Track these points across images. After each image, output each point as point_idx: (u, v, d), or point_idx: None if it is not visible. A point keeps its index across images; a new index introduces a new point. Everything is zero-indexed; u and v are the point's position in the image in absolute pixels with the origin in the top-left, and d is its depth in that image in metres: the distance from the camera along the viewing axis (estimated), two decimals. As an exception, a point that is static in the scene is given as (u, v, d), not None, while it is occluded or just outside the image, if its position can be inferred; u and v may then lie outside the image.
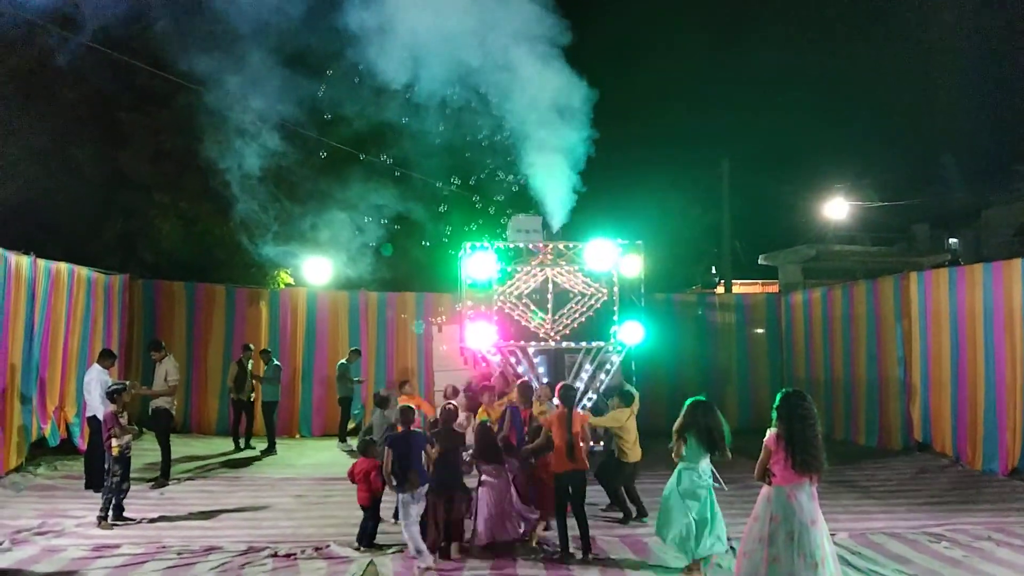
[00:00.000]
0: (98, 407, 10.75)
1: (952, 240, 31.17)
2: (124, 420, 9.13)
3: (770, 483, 5.90)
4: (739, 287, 25.87)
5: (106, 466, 9.12)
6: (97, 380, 10.92)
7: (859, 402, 15.18)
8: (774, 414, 5.98)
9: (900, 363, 13.90)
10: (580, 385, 11.91)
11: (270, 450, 14.22)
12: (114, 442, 8.99)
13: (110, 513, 8.90)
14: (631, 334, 12.18)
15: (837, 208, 24.24)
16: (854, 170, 25.95)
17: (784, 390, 6.13)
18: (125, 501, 9.16)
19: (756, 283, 29.39)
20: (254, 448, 14.42)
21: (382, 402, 10.28)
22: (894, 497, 10.52)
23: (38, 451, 12.04)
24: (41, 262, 11.95)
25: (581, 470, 7.97)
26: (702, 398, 7.20)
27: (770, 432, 5.97)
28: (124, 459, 9.06)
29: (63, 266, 12.65)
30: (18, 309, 11.35)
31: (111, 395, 9.18)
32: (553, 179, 12.95)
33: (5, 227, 13.03)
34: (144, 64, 12.70)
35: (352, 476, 8.52)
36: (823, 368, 16.41)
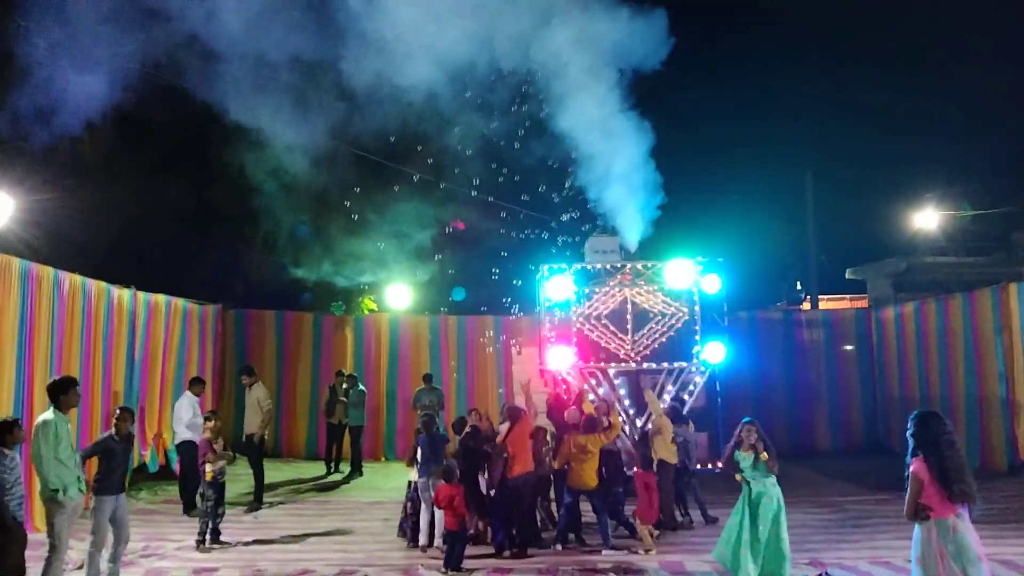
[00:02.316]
0: (185, 432, 11.20)
1: (1055, 247, 29.58)
2: (219, 446, 9.46)
3: (927, 518, 5.44)
4: (826, 302, 25.08)
5: (200, 491, 9.47)
6: (188, 407, 11.38)
7: (958, 421, 14.46)
8: (911, 440, 5.55)
9: (1001, 379, 13.24)
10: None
11: (356, 473, 14.50)
12: (208, 467, 9.30)
13: (207, 537, 9.20)
14: (714, 354, 11.98)
15: (928, 218, 23.29)
16: (945, 177, 24.93)
17: (918, 413, 5.70)
18: (221, 525, 9.47)
19: (844, 298, 28.45)
20: (343, 472, 14.71)
21: (457, 427, 10.40)
22: (1002, 521, 9.98)
23: (139, 477, 12.56)
24: (141, 294, 12.58)
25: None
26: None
27: (915, 462, 5.50)
28: (217, 484, 9.35)
29: (161, 298, 13.28)
30: (120, 339, 11.96)
31: (206, 419, 9.55)
32: (630, 198, 12.90)
33: (108, 262, 13.75)
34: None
35: (438, 502, 8.63)
36: (918, 385, 15.76)
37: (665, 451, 9.72)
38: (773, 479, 7.36)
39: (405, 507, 9.77)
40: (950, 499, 5.33)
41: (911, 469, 5.49)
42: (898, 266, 24.53)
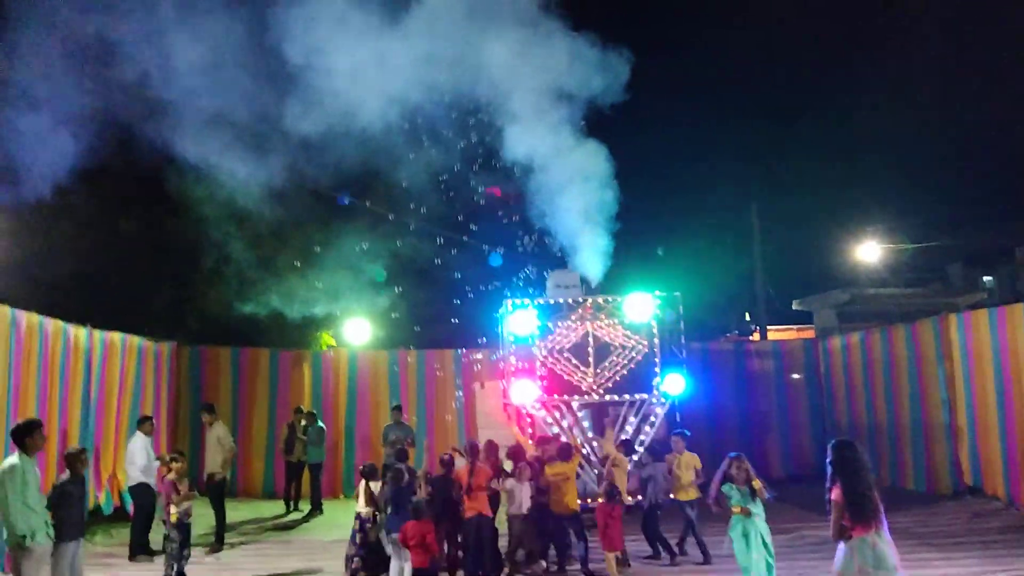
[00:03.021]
0: (138, 475, 11.01)
1: (987, 278, 30.91)
2: (184, 487, 9.34)
3: (849, 537, 5.88)
4: (774, 333, 25.78)
5: (165, 533, 9.32)
6: (141, 448, 11.19)
7: (905, 447, 15.03)
8: (829, 468, 6.03)
9: (945, 406, 13.80)
10: (625, 437, 12.01)
11: (316, 511, 14.36)
12: (173, 509, 9.17)
13: (172, 580, 9.05)
14: (674, 385, 12.27)
15: (870, 251, 24.26)
16: (885, 213, 26.01)
17: (834, 442, 6.19)
18: (186, 567, 9.32)
19: (791, 329, 29.28)
20: (302, 510, 14.54)
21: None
22: (950, 543, 10.39)
23: (93, 519, 12.22)
24: (97, 333, 12.36)
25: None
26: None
27: (834, 489, 5.96)
28: (183, 525, 9.22)
29: (116, 336, 13.06)
30: (76, 379, 11.74)
31: (172, 459, 9.44)
32: (588, 234, 13.21)
33: (62, 298, 13.49)
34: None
35: (406, 539, 8.63)
36: (865, 413, 16.29)
37: (622, 484, 10.13)
38: (762, 511, 7.78)
39: (355, 539, 9.79)
40: (862, 519, 5.82)
41: (831, 496, 5.99)
42: (842, 297, 25.39)
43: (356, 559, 9.68)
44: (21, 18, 10.97)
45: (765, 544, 7.69)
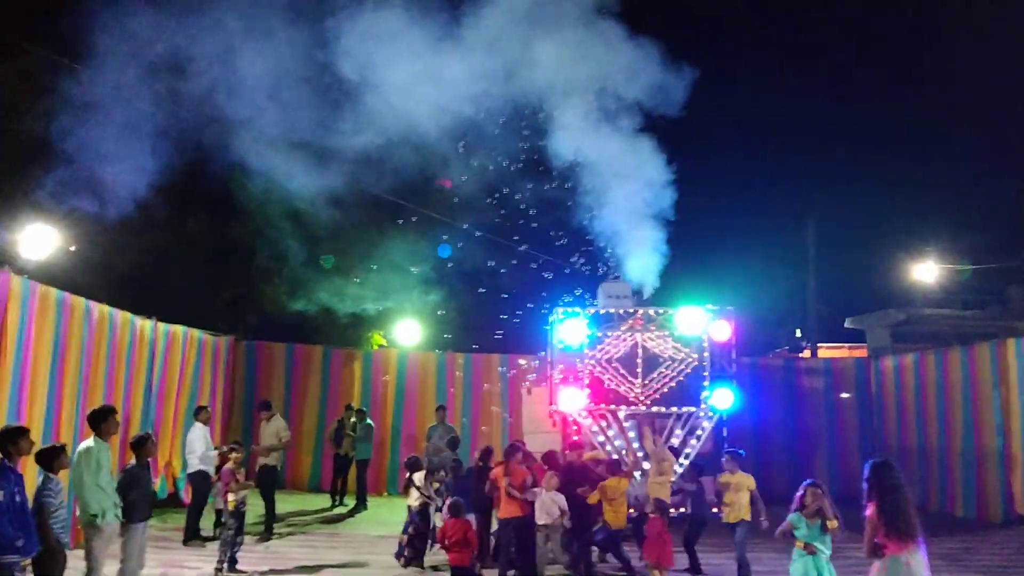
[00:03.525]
0: (197, 463, 11.43)
1: (1049, 302, 30.07)
2: (241, 476, 9.70)
3: (882, 555, 5.95)
4: (825, 351, 25.48)
5: (222, 520, 9.69)
6: (201, 438, 11.61)
7: (955, 472, 14.76)
8: (865, 486, 6.06)
9: (999, 432, 13.54)
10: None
11: (360, 506, 14.66)
12: (230, 496, 9.53)
13: (225, 565, 9.40)
14: (722, 399, 12.29)
15: (927, 271, 23.84)
16: (944, 232, 25.58)
17: (872, 462, 6.22)
18: (238, 554, 9.66)
19: (843, 347, 28.89)
20: (347, 505, 14.87)
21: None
22: (996, 571, 10.24)
23: (148, 504, 12.70)
24: (161, 325, 12.86)
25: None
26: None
27: (869, 506, 6.03)
28: (239, 513, 9.59)
29: (179, 328, 13.56)
30: (140, 368, 12.22)
31: (231, 450, 9.81)
32: (642, 246, 13.30)
33: (129, 290, 14.06)
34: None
35: (442, 540, 8.81)
36: (916, 436, 16.03)
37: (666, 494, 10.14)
38: (829, 543, 7.17)
39: (407, 530, 10.07)
40: (896, 536, 5.82)
41: (866, 513, 6.02)
42: (896, 317, 24.99)
43: (408, 548, 9.94)
44: (97, 42, 11.60)
45: None
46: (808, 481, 7.20)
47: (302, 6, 12.93)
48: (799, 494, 7.07)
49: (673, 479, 10.91)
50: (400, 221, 18.00)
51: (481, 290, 19.04)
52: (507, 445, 10.88)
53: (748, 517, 9.52)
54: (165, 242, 15.04)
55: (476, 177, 16.01)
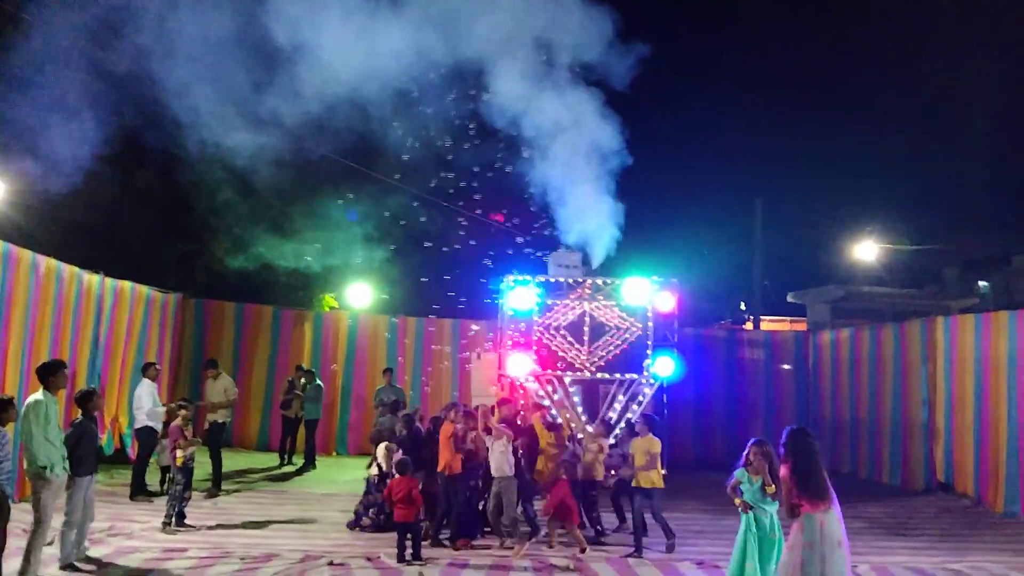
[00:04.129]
0: (144, 419, 11.48)
1: (982, 283, 31.22)
2: (189, 433, 9.79)
3: (798, 514, 6.34)
4: (768, 324, 26.21)
5: (169, 475, 9.79)
6: (148, 394, 11.65)
7: (883, 442, 15.48)
8: (781, 450, 6.46)
9: (925, 405, 14.23)
10: (613, 415, 12.47)
11: (309, 465, 14.82)
12: (179, 453, 9.63)
13: (173, 519, 9.52)
14: (664, 367, 12.70)
15: (867, 250, 24.62)
16: (885, 212, 26.33)
17: (789, 428, 6.61)
18: (186, 509, 9.78)
19: (784, 320, 29.71)
20: (295, 464, 15.02)
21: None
22: (916, 535, 10.87)
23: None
24: (109, 280, 12.76)
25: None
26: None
27: (783, 468, 6.44)
28: (187, 469, 9.70)
29: (127, 284, 13.45)
30: (87, 323, 12.15)
31: (180, 407, 9.88)
32: (593, 216, 13.55)
33: (76, 243, 13.87)
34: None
35: (390, 497, 9.04)
36: (849, 407, 16.73)
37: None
38: (775, 507, 7.03)
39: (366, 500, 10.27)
40: (809, 497, 6.24)
41: (780, 475, 6.43)
42: (836, 293, 25.74)
43: (364, 517, 10.13)
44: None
45: (768, 547, 6.96)
46: (754, 440, 7.24)
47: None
48: (745, 451, 7.15)
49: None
50: (352, 183, 17.98)
51: (428, 246, 19.06)
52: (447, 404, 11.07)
53: (661, 484, 9.45)
54: (113, 194, 14.82)
55: (424, 140, 16.05)
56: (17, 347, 10.02)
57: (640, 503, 9.32)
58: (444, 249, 18.60)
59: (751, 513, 7.04)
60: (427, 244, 18.48)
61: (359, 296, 19.34)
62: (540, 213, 14.86)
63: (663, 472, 9.60)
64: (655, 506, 9.41)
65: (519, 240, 16.27)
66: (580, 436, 11.77)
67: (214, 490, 11.90)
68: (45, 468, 6.98)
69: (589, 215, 13.68)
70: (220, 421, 12.20)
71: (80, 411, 7.91)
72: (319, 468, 14.84)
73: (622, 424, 12.40)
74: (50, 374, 7.30)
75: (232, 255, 17.70)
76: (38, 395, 7.15)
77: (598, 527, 10.15)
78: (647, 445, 9.38)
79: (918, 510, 12.58)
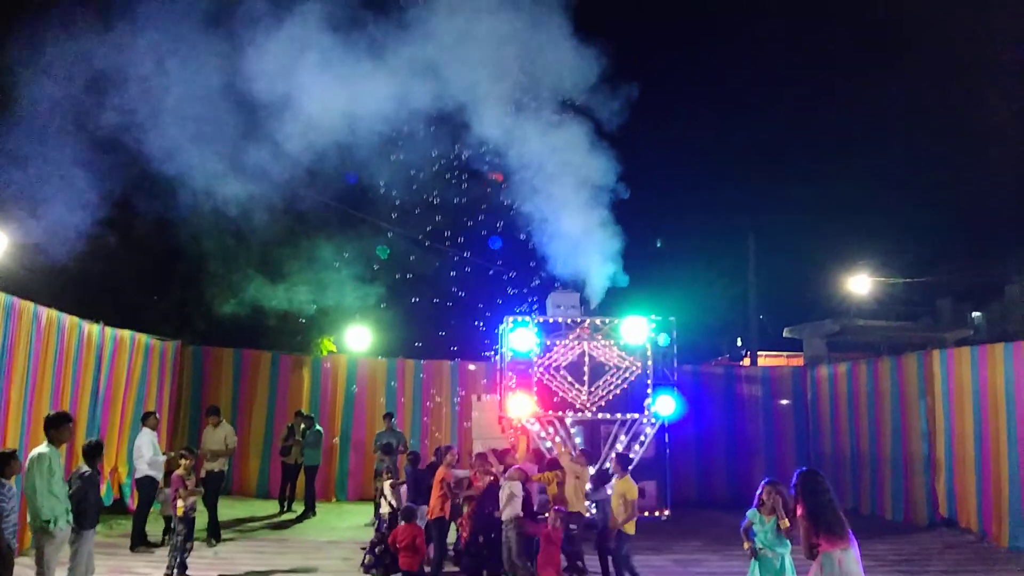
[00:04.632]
0: (145, 469, 11.42)
1: (976, 314, 31.43)
2: (191, 482, 9.75)
3: (817, 554, 6.30)
4: (765, 359, 26.28)
5: (172, 525, 9.73)
6: (148, 444, 11.59)
7: (885, 477, 15.46)
8: (792, 491, 6.42)
9: (924, 439, 14.24)
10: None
11: (309, 512, 14.70)
12: (179, 503, 9.57)
13: (175, 571, 9.43)
14: (665, 406, 12.72)
15: (861, 284, 24.83)
16: (878, 246, 26.60)
17: (799, 470, 6.58)
18: (188, 559, 9.69)
19: (781, 355, 29.81)
20: (295, 511, 14.90)
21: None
22: (923, 572, 10.81)
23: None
24: (108, 329, 12.77)
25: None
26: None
27: (799, 509, 6.41)
28: (189, 519, 9.63)
29: (126, 333, 13.47)
30: (87, 373, 12.14)
31: (181, 456, 9.85)
32: (591, 257, 13.69)
33: (73, 292, 13.91)
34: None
35: (395, 544, 8.98)
36: (849, 442, 16.72)
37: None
38: (788, 548, 6.94)
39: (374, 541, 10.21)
40: (827, 536, 6.16)
41: (797, 515, 6.33)
42: (832, 327, 25.87)
43: (369, 556, 10.07)
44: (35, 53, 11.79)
45: None
46: (766, 480, 7.18)
47: (233, 23, 13.16)
48: (758, 492, 7.09)
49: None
50: (349, 229, 18.17)
51: (434, 299, 19.27)
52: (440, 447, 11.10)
53: (628, 529, 9.24)
54: (110, 244, 14.96)
55: (419, 183, 16.28)
56: (19, 398, 10.00)
57: (623, 547, 9.15)
58: (439, 294, 18.76)
59: (760, 556, 7.00)
60: (418, 286, 18.63)
61: (357, 339, 19.35)
62: (536, 254, 15.02)
63: (667, 513, 9.55)
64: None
65: (511, 278, 16.38)
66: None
67: (211, 540, 11.79)
68: (49, 522, 6.94)
69: (585, 255, 13.81)
70: (218, 470, 12.13)
71: (86, 463, 7.89)
72: (319, 515, 14.72)
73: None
74: (55, 427, 7.30)
75: (229, 301, 17.78)
76: (42, 448, 7.14)
77: (579, 563, 9.93)
78: (623, 489, 9.29)
79: (923, 546, 12.52)
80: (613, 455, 10.40)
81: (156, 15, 12.70)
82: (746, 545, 7.08)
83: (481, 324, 16.76)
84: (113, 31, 12.41)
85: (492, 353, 14.90)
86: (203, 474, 12.33)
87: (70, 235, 12.30)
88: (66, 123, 11.94)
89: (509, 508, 9.46)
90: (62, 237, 12.19)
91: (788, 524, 6.82)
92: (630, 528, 9.17)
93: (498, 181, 17.16)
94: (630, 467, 9.91)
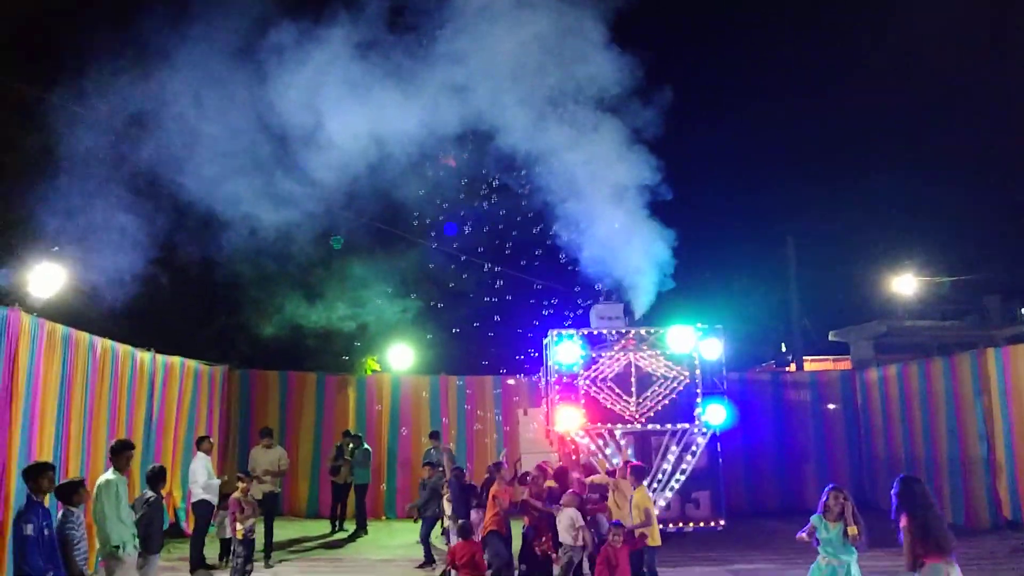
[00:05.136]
0: (200, 493, 11.55)
1: (1024, 311, 30.77)
2: (249, 506, 9.85)
3: (923, 564, 6.16)
4: (810, 364, 25.92)
5: (232, 548, 9.83)
6: (203, 468, 11.73)
7: (942, 480, 15.09)
8: (895, 500, 6.30)
9: (982, 440, 13.91)
10: (668, 466, 12.36)
11: (361, 531, 14.77)
12: (239, 525, 9.68)
13: (236, 593, 9.54)
14: (716, 415, 12.59)
15: (906, 284, 24.42)
16: (922, 245, 26.21)
17: (903, 477, 6.46)
18: (247, 582, 9.80)
19: (827, 359, 29.39)
20: (347, 530, 14.97)
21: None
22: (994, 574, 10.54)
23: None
24: (160, 357, 13.00)
25: None
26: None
27: (903, 519, 6.25)
28: (248, 541, 9.74)
29: (176, 359, 13.70)
30: (140, 400, 12.34)
31: (239, 479, 9.98)
32: (638, 267, 13.64)
33: (120, 323, 14.18)
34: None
35: (453, 561, 8.97)
36: (902, 445, 16.38)
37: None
38: (854, 556, 6.86)
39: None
40: (936, 551, 6.06)
41: (901, 525, 6.22)
42: (879, 329, 25.49)
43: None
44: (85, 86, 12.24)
45: None
46: (831, 485, 7.15)
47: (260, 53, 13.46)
48: (823, 498, 7.04)
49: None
50: (390, 248, 18.35)
51: (475, 315, 19.34)
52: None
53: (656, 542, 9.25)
54: (160, 281, 15.32)
55: (463, 198, 16.37)
56: (79, 427, 10.20)
57: (649, 561, 9.08)
58: (480, 311, 18.81)
59: (824, 564, 6.91)
60: (467, 302, 18.71)
61: (400, 357, 19.46)
62: (579, 265, 14.98)
63: (722, 523, 9.41)
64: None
65: (558, 294, 16.36)
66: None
67: (267, 561, 11.87)
68: (118, 548, 7.06)
69: (628, 265, 13.76)
70: (273, 491, 12.24)
71: (150, 488, 8.02)
72: (370, 533, 14.79)
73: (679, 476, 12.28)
74: (120, 454, 7.44)
75: (272, 324, 18.02)
76: (109, 475, 7.28)
77: None
78: (637, 499, 9.28)
79: (990, 550, 12.20)
80: (622, 465, 10.22)
81: (183, 52, 13.08)
82: (803, 535, 7.03)
83: (528, 335, 16.73)
84: (149, 75, 12.84)
85: (537, 367, 14.86)
86: (260, 496, 12.47)
87: (121, 275, 12.70)
88: (105, 161, 12.36)
89: (569, 536, 9.32)
90: (114, 278, 12.58)
91: (856, 530, 6.74)
92: (654, 539, 9.15)
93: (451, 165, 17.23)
94: (646, 478, 9.85)
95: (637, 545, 9.05)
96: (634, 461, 10.77)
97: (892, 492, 6.37)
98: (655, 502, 11.96)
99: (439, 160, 16.28)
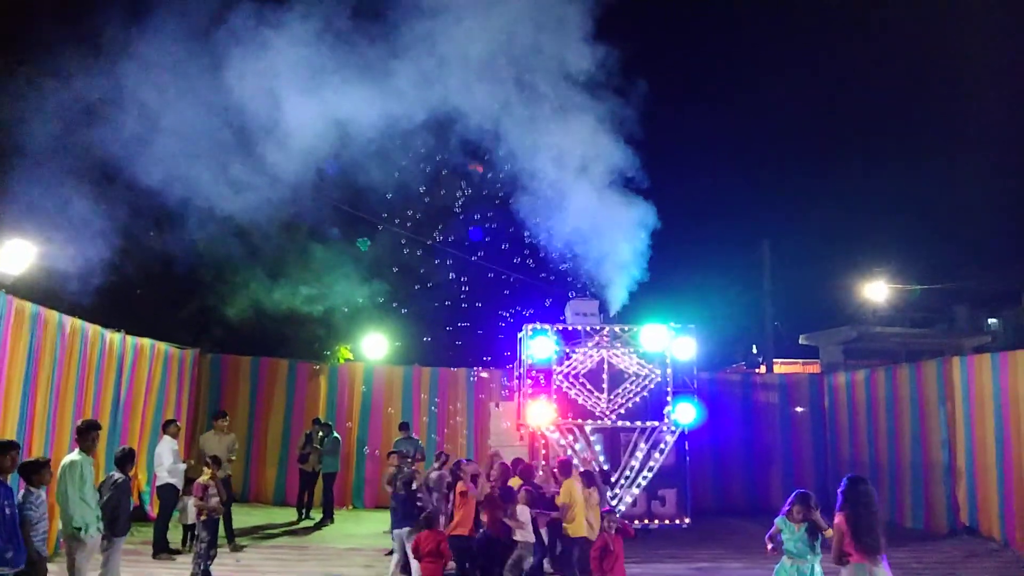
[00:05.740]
0: (165, 476, 11.49)
1: (992, 320, 31.27)
2: (213, 490, 9.79)
3: (847, 563, 6.32)
4: (780, 366, 26.19)
5: (194, 532, 9.77)
6: (169, 452, 11.68)
7: (904, 485, 15.35)
8: (839, 497, 6.45)
9: (944, 446, 14.15)
10: (635, 463, 12.44)
11: (327, 520, 14.73)
12: (201, 504, 9.62)
13: (200, 577, 9.48)
14: (685, 414, 12.70)
15: (877, 290, 24.75)
16: (893, 253, 26.57)
17: (849, 476, 6.61)
18: (211, 567, 9.73)
19: (797, 363, 29.72)
20: (313, 519, 14.93)
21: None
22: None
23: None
24: (129, 338, 12.87)
25: None
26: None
27: (837, 515, 6.42)
28: (212, 521, 9.68)
29: (146, 342, 13.57)
30: (108, 382, 12.22)
31: (206, 463, 9.92)
32: (612, 265, 13.70)
33: (92, 303, 14.02)
34: None
35: (417, 551, 8.98)
36: (867, 449, 16.61)
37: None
38: (819, 557, 6.94)
39: None
40: (862, 550, 6.22)
41: (835, 521, 6.43)
42: (849, 334, 25.80)
43: None
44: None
45: None
46: (798, 491, 7.25)
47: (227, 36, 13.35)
48: (788, 501, 7.14)
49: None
50: (365, 236, 18.29)
51: (445, 303, 19.33)
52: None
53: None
54: (126, 254, 15.12)
55: (440, 187, 16.34)
56: (44, 407, 10.09)
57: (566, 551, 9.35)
58: (455, 301, 18.81)
59: (788, 564, 7.00)
60: (440, 294, 18.69)
61: (374, 347, 19.39)
62: (556, 260, 15.04)
63: (687, 521, 9.54)
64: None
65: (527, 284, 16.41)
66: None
67: (231, 545, 11.81)
68: (80, 529, 7.00)
69: (606, 262, 13.83)
70: (228, 474, 12.18)
71: (118, 470, 7.95)
72: (336, 522, 14.75)
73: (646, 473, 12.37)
74: (87, 435, 7.37)
75: (244, 308, 17.88)
76: (74, 456, 7.21)
77: None
78: (564, 488, 9.57)
79: (945, 554, 12.44)
80: (555, 461, 10.42)
81: (148, 37, 12.94)
82: (769, 546, 7.13)
83: (501, 329, 16.77)
84: (113, 60, 12.69)
85: (510, 360, 14.90)
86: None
87: (93, 256, 12.57)
88: (78, 141, 12.23)
89: (520, 533, 9.43)
90: (88, 258, 12.46)
91: (831, 532, 6.78)
92: (575, 531, 9.34)
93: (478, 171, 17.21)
94: (575, 471, 9.95)
95: (630, 533, 9.11)
96: (564, 456, 11.17)
97: (839, 490, 6.55)
98: (621, 499, 12.10)
99: (468, 167, 16.32)
